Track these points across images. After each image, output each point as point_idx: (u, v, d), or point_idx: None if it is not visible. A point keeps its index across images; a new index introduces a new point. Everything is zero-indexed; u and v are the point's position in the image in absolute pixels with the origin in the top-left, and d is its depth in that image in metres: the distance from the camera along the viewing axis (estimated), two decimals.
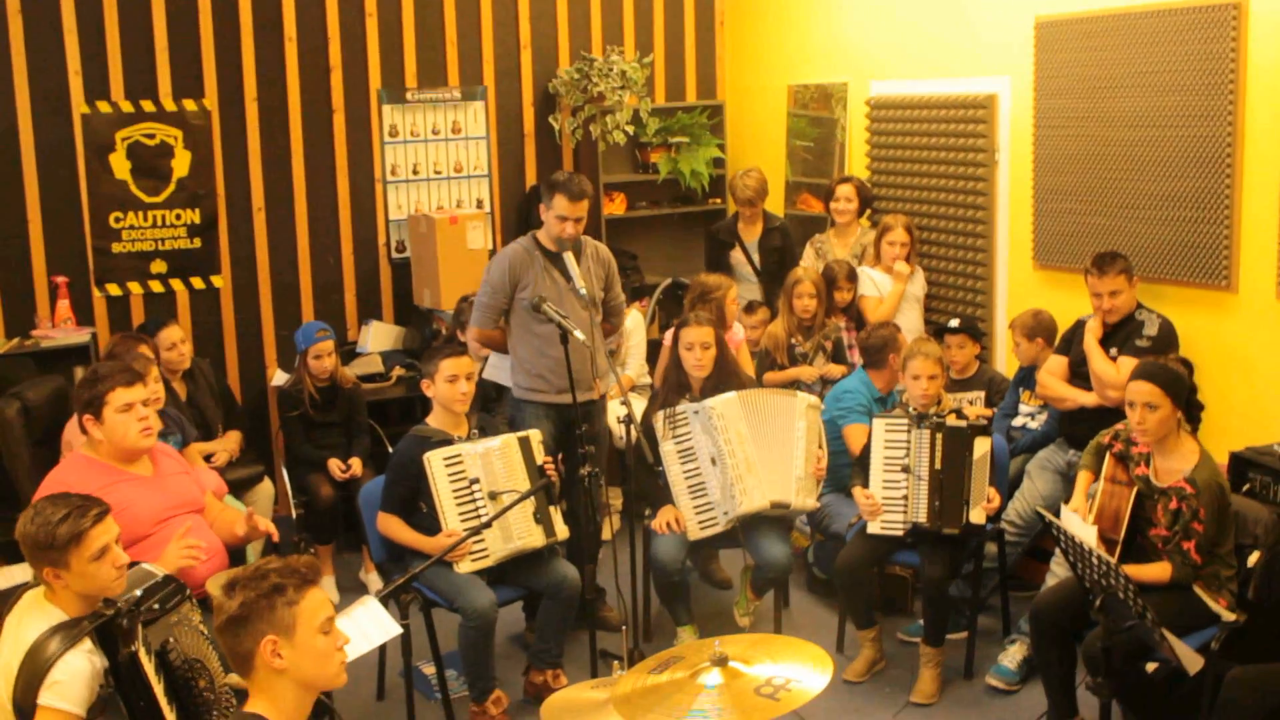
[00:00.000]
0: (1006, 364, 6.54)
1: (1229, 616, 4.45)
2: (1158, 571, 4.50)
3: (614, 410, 6.22)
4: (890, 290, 6.71)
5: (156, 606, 3.53)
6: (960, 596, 5.59)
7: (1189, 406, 4.66)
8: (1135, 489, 4.62)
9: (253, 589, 2.85)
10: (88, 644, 3.39)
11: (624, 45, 8.35)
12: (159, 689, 3.41)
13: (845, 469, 5.73)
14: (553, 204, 5.58)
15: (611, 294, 5.94)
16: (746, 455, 5.38)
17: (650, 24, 8.49)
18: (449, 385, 5.19)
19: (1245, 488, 4.78)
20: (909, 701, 5.23)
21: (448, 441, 5.16)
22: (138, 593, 3.53)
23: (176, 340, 6.31)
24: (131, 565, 3.70)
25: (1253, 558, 4.50)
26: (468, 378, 5.22)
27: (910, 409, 5.41)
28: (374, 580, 6.38)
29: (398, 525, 5.13)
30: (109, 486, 4.32)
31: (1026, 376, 6.02)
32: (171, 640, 3.51)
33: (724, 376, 5.61)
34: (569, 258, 5.60)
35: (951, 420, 5.30)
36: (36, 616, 3.50)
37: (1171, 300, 5.60)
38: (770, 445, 5.46)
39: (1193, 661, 4.12)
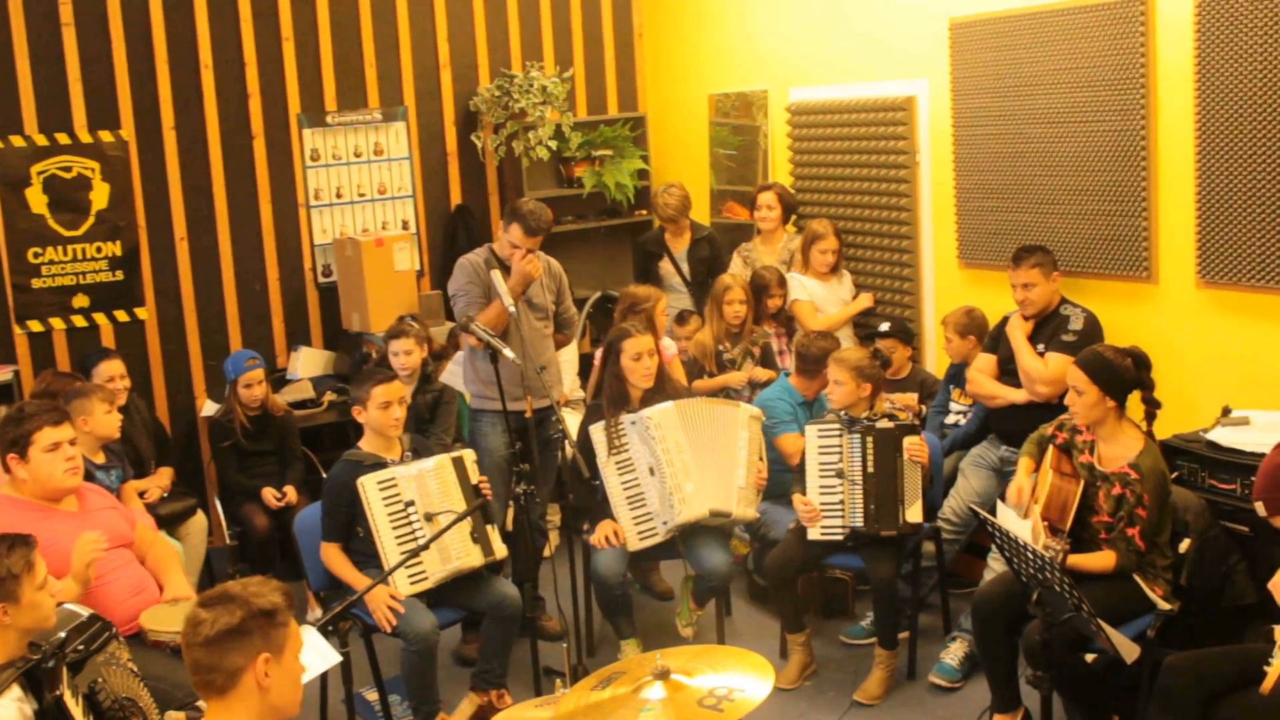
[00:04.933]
0: (936, 363, 6.59)
1: (1165, 605, 4.50)
2: (1101, 560, 4.53)
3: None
4: (836, 313, 6.78)
5: (82, 647, 3.46)
6: (901, 596, 5.62)
7: (1146, 403, 4.70)
8: (1082, 482, 4.63)
9: (242, 606, 2.76)
10: (16, 690, 3.32)
11: (543, 60, 8.34)
12: None
13: (783, 476, 5.74)
14: (510, 231, 5.68)
15: (563, 306, 6.05)
16: (684, 464, 5.37)
17: (569, 38, 8.49)
18: (382, 411, 5.16)
19: (1174, 475, 4.82)
20: (854, 702, 5.25)
21: (381, 465, 5.12)
22: (62, 634, 3.46)
23: (115, 374, 6.22)
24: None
25: (1184, 545, 4.56)
26: (400, 402, 5.21)
27: (842, 414, 5.44)
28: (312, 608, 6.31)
29: (337, 557, 5.09)
30: (35, 524, 4.25)
31: (957, 374, 6.07)
32: (100, 680, 3.45)
33: (659, 386, 5.59)
34: (496, 276, 5.58)
35: (883, 423, 5.34)
36: None
37: (1094, 293, 5.67)
38: (710, 454, 5.46)
39: (1129, 650, 4.17)
